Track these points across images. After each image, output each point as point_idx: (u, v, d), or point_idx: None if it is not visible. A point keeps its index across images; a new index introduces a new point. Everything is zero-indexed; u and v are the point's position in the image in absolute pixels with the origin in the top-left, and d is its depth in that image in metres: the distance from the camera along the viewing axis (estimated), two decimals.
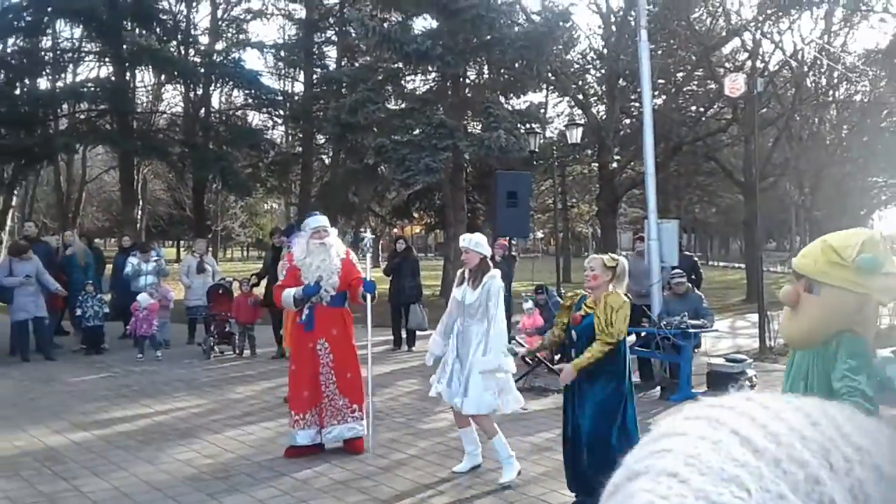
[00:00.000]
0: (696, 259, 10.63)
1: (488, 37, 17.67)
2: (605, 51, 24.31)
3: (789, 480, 0.50)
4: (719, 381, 8.79)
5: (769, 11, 21.47)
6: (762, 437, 0.53)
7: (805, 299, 2.80)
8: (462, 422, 5.79)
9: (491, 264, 5.79)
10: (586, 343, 4.84)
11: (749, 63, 23.44)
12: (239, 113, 26.40)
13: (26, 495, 5.26)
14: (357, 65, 22.92)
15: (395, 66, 19.35)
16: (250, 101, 24.15)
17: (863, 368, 2.71)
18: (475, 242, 5.68)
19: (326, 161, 27.78)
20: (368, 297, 6.21)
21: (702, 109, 26.07)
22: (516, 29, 18.06)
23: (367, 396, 6.34)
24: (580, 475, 4.92)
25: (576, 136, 18.38)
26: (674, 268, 9.98)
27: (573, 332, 4.99)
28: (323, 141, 26.16)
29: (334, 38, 25.52)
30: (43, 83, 23.35)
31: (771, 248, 52.52)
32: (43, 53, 21.52)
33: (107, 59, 22.21)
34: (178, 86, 26.14)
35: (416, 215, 30.36)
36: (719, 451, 0.52)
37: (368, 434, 6.28)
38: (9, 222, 27.26)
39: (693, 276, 9.93)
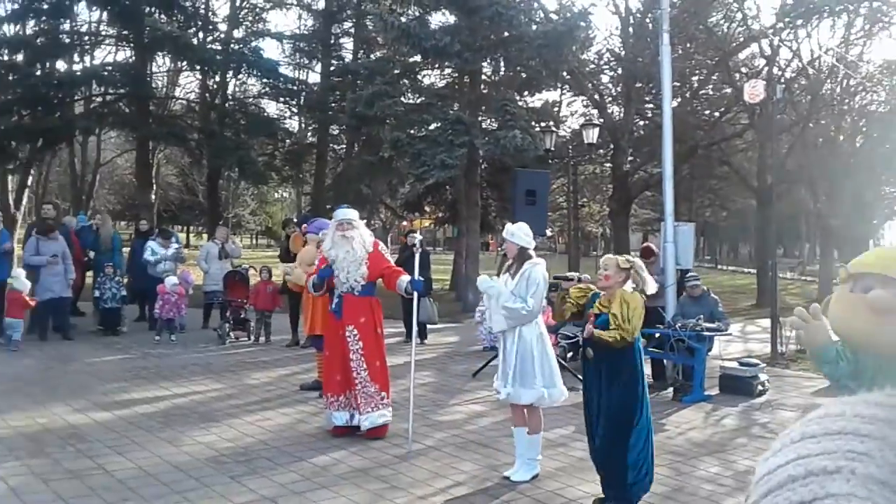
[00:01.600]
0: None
1: (506, 34, 17.67)
2: (623, 52, 24.30)
3: None
4: (731, 384, 8.87)
5: (788, 18, 21.43)
6: None
7: None
8: (519, 419, 5.70)
9: (533, 254, 5.75)
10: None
11: (766, 69, 23.41)
12: (255, 101, 26.43)
13: (52, 472, 5.37)
14: (374, 57, 22.94)
15: (412, 60, 19.39)
16: (267, 90, 24.19)
17: None
18: (511, 233, 5.74)
19: (341, 152, 27.84)
20: (416, 295, 6.40)
21: (717, 114, 26.04)
22: (534, 27, 18.07)
23: (410, 387, 6.41)
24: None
25: (592, 135, 18.40)
26: (688, 271, 10.05)
27: (587, 328, 5.02)
28: (337, 132, 26.22)
29: (352, 29, 25.54)
30: (61, 65, 23.48)
31: (780, 254, 52.39)
32: (63, 36, 21.57)
33: (126, 44, 22.29)
34: (194, 72, 26.20)
35: (427, 209, 30.39)
36: None
37: (409, 425, 6.29)
38: (24, 202, 27.40)
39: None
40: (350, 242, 6.46)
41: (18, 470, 5.38)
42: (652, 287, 5.06)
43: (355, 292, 6.44)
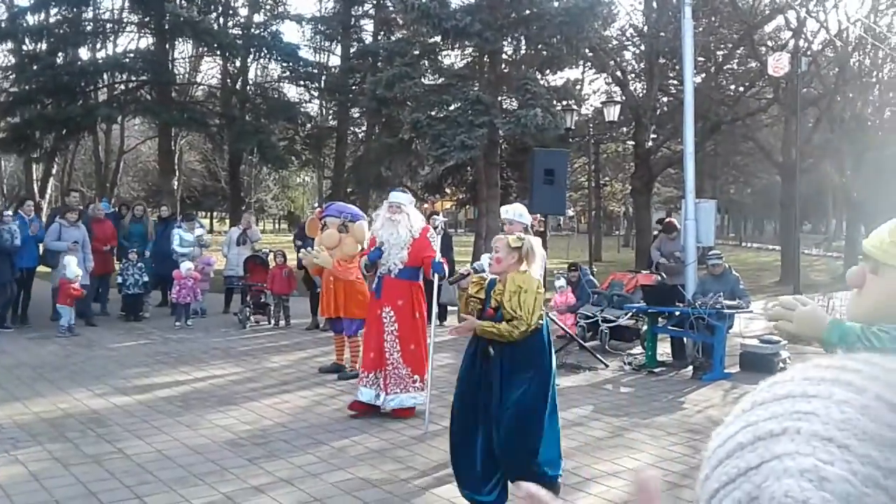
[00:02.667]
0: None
1: (527, 12, 17.51)
2: (646, 28, 23.97)
3: None
4: (752, 362, 8.78)
5: None
6: None
7: (869, 280, 2.79)
8: None
9: (531, 233, 5.79)
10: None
11: (792, 42, 22.99)
12: (275, 85, 26.50)
13: (72, 456, 5.43)
14: (394, 38, 22.85)
15: (432, 40, 19.27)
16: (287, 73, 24.22)
17: None
18: (518, 213, 5.83)
19: (361, 135, 27.84)
20: (436, 277, 6.37)
21: (742, 88, 25.64)
22: (556, 4, 17.85)
23: (428, 369, 6.47)
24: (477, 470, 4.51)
25: (613, 113, 18.22)
26: (709, 248, 9.93)
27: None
28: (358, 115, 26.20)
29: (372, 11, 25.46)
30: (84, 53, 23.70)
31: (806, 230, 51.67)
32: (85, 23, 21.70)
33: (147, 30, 22.40)
34: (215, 58, 26.29)
35: (447, 191, 30.37)
36: (871, 416, 0.53)
37: (426, 406, 6.37)
38: (49, 191, 27.76)
39: None
40: (396, 226, 6.56)
41: (39, 455, 5.46)
42: (538, 269, 4.55)
43: (392, 274, 6.56)
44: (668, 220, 11.48)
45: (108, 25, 23.44)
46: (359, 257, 7.63)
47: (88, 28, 21.96)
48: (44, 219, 15.39)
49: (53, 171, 28.64)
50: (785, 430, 0.55)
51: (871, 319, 2.79)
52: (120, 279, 11.84)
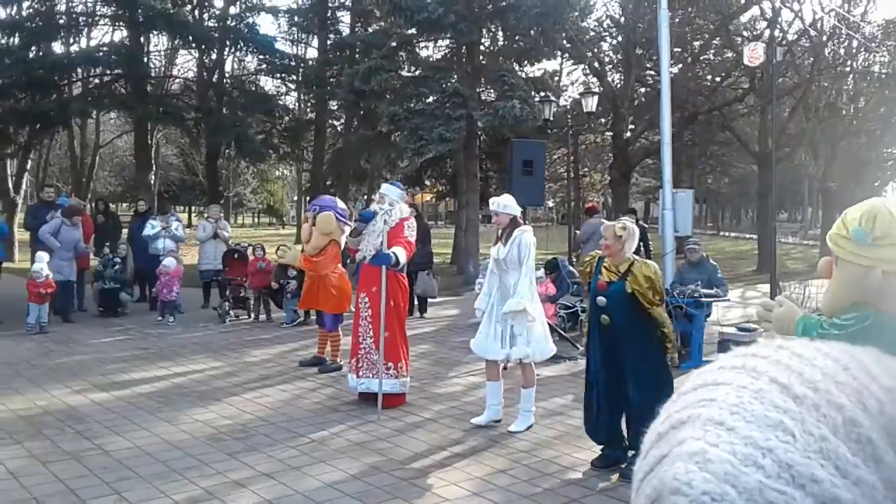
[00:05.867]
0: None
1: (503, 3, 17.48)
2: (622, 19, 24.05)
3: (829, 423, 0.54)
4: (730, 350, 8.85)
5: None
6: (800, 384, 0.56)
7: (833, 271, 2.88)
8: (493, 375, 6.12)
9: (521, 222, 6.20)
10: (617, 308, 5.03)
11: (767, 32, 23.16)
12: (252, 78, 26.27)
13: (50, 453, 5.39)
14: (370, 31, 22.75)
15: (409, 32, 19.20)
16: (264, 66, 24.00)
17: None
18: (503, 205, 6.11)
19: (339, 128, 27.69)
20: (383, 268, 6.44)
21: (718, 79, 25.81)
22: None
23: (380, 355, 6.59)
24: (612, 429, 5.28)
25: (591, 104, 18.25)
26: (688, 237, 10.01)
27: (599, 298, 5.13)
28: (336, 107, 26.06)
29: (348, 3, 25.30)
30: (57, 47, 23.29)
31: (783, 218, 52.15)
32: (58, 17, 21.35)
33: (121, 23, 22.09)
34: (191, 51, 26.01)
35: (427, 183, 30.34)
36: (761, 399, 0.55)
37: (379, 397, 6.44)
38: (24, 186, 27.39)
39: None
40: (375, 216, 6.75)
41: (17, 453, 5.41)
42: (632, 248, 5.23)
43: (366, 261, 6.72)
44: (589, 204, 12.19)
45: (82, 19, 23.10)
46: (331, 249, 7.89)
47: (61, 21, 21.63)
48: (20, 214, 15.18)
49: (28, 167, 28.26)
50: (689, 418, 0.57)
51: (832, 311, 2.86)
52: (97, 275, 11.70)
